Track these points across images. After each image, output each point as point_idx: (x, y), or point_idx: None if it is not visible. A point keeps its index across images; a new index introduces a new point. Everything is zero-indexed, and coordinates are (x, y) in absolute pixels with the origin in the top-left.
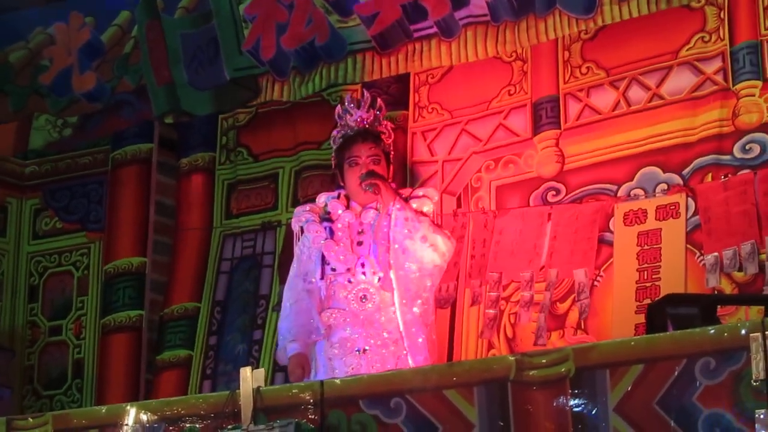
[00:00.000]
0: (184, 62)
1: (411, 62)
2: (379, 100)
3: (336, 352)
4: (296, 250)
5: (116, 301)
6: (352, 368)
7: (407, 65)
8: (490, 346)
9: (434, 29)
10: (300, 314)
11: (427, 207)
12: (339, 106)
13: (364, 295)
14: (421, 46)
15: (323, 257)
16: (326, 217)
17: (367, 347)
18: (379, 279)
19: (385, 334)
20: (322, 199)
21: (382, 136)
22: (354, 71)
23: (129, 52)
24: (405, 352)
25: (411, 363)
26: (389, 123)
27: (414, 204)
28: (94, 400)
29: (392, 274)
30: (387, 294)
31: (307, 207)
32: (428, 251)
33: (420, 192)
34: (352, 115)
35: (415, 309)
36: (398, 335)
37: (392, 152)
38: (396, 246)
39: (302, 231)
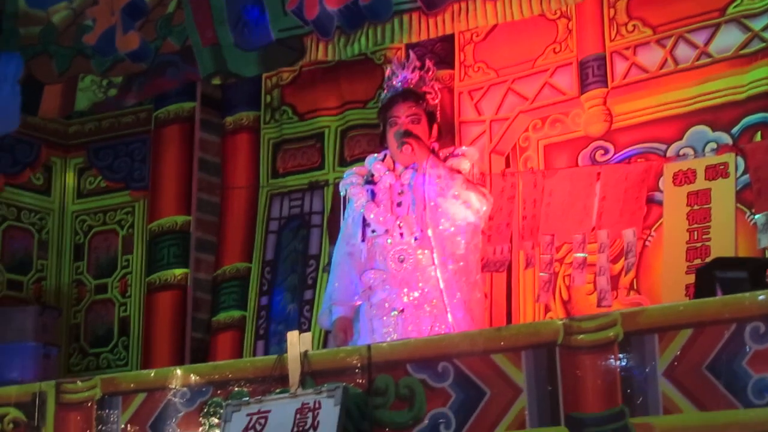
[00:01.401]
0: (230, 23)
1: (457, 22)
2: (427, 61)
3: (375, 312)
4: (344, 214)
5: (161, 260)
6: (390, 328)
7: (453, 25)
8: (547, 309)
9: None
10: (342, 277)
11: (465, 165)
12: (388, 68)
13: (402, 256)
14: (466, 5)
15: (364, 219)
16: (370, 180)
17: (403, 308)
18: (416, 239)
19: (416, 293)
20: (368, 160)
21: (427, 96)
22: (401, 31)
23: (172, 12)
24: (446, 309)
25: (450, 320)
26: (437, 83)
27: (451, 162)
28: (141, 358)
29: (430, 232)
30: (425, 253)
31: (354, 170)
32: (461, 208)
33: (459, 150)
34: (397, 75)
35: (451, 267)
36: (437, 294)
37: (438, 112)
38: (431, 204)
39: (347, 195)
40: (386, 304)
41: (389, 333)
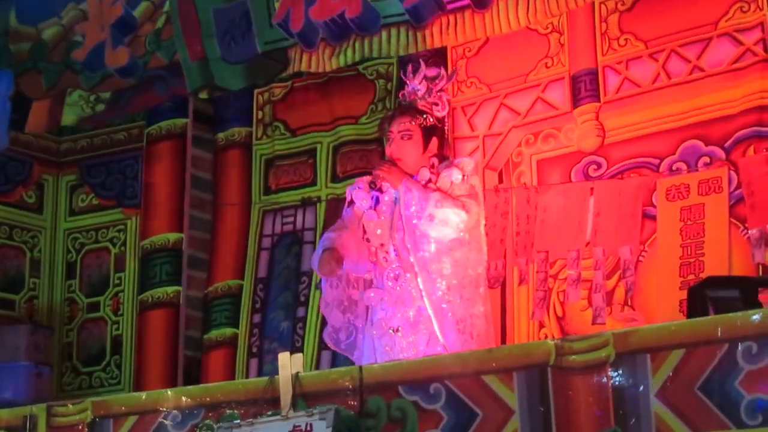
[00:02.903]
0: (217, 37)
1: (445, 35)
2: (439, 70)
3: (375, 331)
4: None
5: (154, 277)
6: (388, 348)
7: (442, 38)
8: (542, 326)
9: (467, 1)
10: (338, 229)
11: (456, 175)
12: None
13: (397, 275)
14: (455, 18)
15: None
16: (377, 187)
17: (399, 327)
18: (402, 260)
19: (412, 312)
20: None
21: (430, 108)
22: (388, 45)
23: (161, 27)
24: (437, 332)
25: (441, 341)
26: (444, 94)
27: (444, 173)
28: (133, 377)
29: (412, 257)
30: (409, 277)
31: (364, 178)
32: (438, 228)
33: (456, 161)
34: (407, 86)
35: (439, 288)
36: (427, 315)
37: (441, 125)
38: (409, 228)
39: (351, 198)
40: (383, 324)
41: (388, 352)
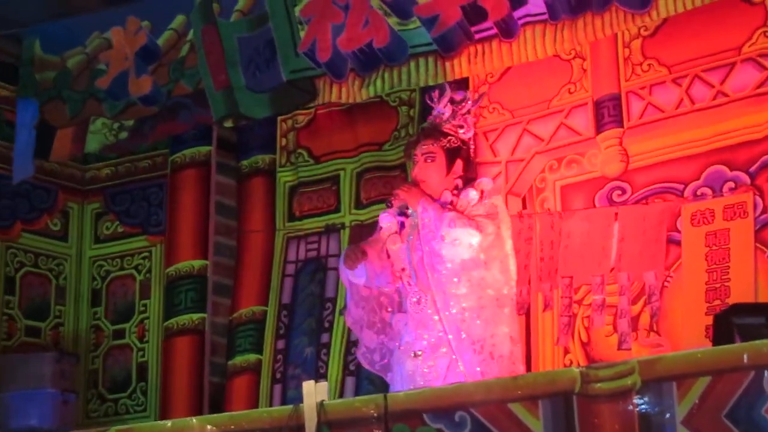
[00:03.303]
0: (242, 65)
1: (473, 64)
2: (465, 93)
3: (402, 356)
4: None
5: (179, 304)
6: (410, 372)
7: (469, 68)
8: (567, 351)
9: (494, 30)
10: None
11: (473, 195)
12: None
13: (418, 298)
14: (482, 48)
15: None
16: (404, 212)
17: (421, 351)
18: (420, 282)
19: (432, 336)
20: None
21: (455, 131)
22: (417, 74)
23: (185, 55)
24: (453, 355)
25: (460, 364)
26: (469, 116)
27: (462, 195)
28: (159, 404)
29: (430, 278)
30: (428, 298)
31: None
32: (450, 248)
33: (477, 182)
34: (433, 110)
35: (454, 310)
36: (447, 337)
37: (466, 147)
38: (426, 249)
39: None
40: (408, 348)
41: (410, 377)
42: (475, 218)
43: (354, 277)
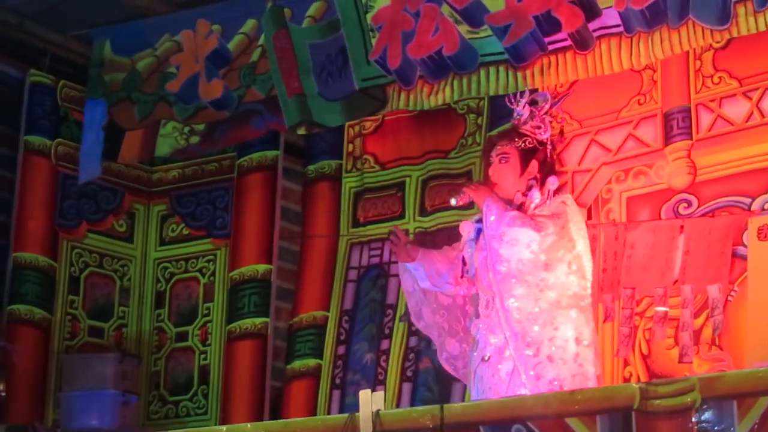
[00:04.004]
0: (314, 72)
1: (547, 76)
2: (545, 94)
3: (475, 362)
4: None
5: (242, 308)
6: (479, 377)
7: (542, 79)
8: (626, 363)
9: (569, 41)
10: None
11: (535, 195)
12: None
13: (487, 301)
14: (556, 59)
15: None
16: (459, 205)
17: (488, 355)
18: (484, 283)
19: (499, 338)
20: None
21: (533, 132)
22: (487, 83)
23: (256, 60)
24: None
25: (517, 362)
26: (547, 117)
27: (529, 195)
28: (220, 407)
29: (491, 279)
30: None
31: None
32: (508, 248)
33: None
34: (513, 113)
35: (512, 309)
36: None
37: (543, 147)
38: (489, 247)
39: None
40: (480, 352)
41: (479, 381)
42: (536, 218)
43: (420, 281)
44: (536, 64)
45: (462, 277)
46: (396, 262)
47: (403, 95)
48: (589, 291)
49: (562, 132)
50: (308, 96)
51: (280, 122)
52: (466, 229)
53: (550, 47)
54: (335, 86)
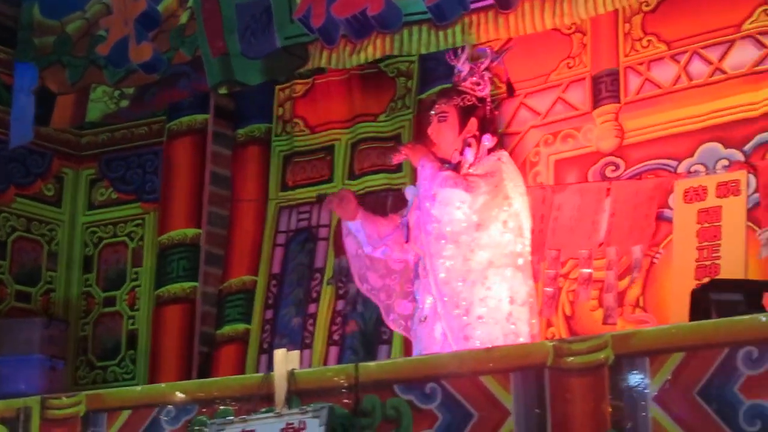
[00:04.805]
0: (238, 32)
1: (468, 35)
2: (485, 50)
3: (415, 323)
4: None
5: (170, 273)
6: (419, 338)
7: (464, 38)
8: (549, 324)
9: (491, 0)
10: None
11: (469, 155)
12: None
13: (424, 264)
14: (478, 18)
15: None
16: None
17: (425, 316)
18: (417, 245)
19: (430, 301)
20: None
21: (472, 88)
22: (409, 42)
23: (185, 23)
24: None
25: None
26: (487, 73)
27: (463, 154)
28: (148, 372)
29: (423, 239)
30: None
31: None
32: (440, 209)
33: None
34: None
35: (441, 272)
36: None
37: (483, 104)
38: (423, 207)
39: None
40: (419, 313)
41: (416, 343)
42: (468, 177)
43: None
44: (458, 23)
45: (408, 242)
46: (326, 226)
47: (325, 53)
48: (528, 249)
49: (510, 86)
50: (232, 55)
51: (205, 82)
52: (411, 193)
53: (473, 6)
54: (258, 45)
